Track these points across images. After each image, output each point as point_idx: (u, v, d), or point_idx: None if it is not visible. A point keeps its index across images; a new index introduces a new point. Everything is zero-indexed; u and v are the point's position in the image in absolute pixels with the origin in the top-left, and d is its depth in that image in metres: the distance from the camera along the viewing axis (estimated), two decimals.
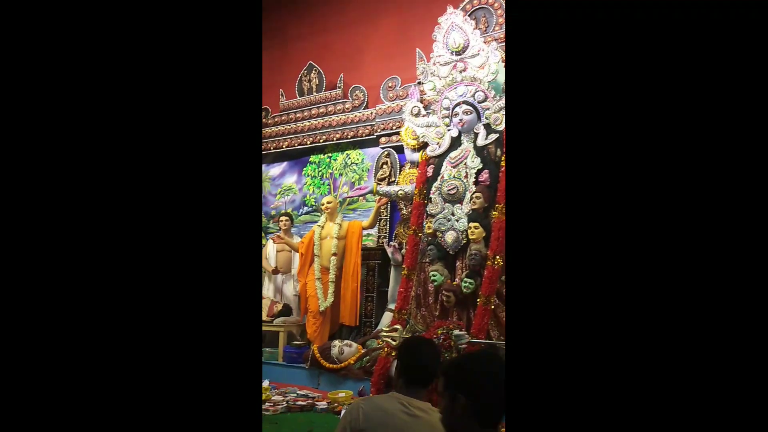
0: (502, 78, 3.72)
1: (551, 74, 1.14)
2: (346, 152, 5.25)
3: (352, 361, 3.63)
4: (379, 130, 4.81)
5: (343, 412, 1.78)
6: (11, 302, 1.10)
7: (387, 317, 4.02)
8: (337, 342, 3.90)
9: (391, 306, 4.03)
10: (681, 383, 1.02)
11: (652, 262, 1.05)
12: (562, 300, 1.09)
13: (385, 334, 3.60)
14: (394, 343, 3.55)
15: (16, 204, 1.12)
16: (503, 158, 3.61)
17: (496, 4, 4.21)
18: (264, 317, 4.52)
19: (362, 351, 3.71)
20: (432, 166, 3.96)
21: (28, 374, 1.10)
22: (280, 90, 5.74)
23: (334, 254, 4.34)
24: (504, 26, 4.14)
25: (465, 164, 3.78)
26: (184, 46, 1.23)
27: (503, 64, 3.81)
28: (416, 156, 4.17)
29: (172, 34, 1.23)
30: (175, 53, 1.23)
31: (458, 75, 3.87)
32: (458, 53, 3.87)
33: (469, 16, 4.13)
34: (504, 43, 4.02)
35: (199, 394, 1.17)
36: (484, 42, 3.84)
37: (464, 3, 4.31)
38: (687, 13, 1.08)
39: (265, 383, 3.66)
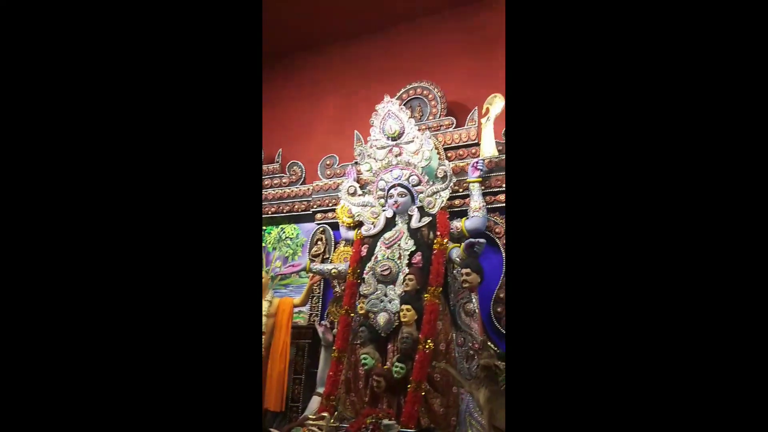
0: (435, 164, 3.90)
1: (550, 75, 1.16)
2: (281, 226, 5.19)
3: None
4: (315, 206, 4.82)
5: None
6: (14, 303, 1.11)
7: (315, 402, 3.83)
8: None
9: (320, 390, 3.86)
10: (678, 383, 1.02)
11: (650, 267, 1.06)
12: (560, 301, 1.10)
13: (311, 422, 3.42)
14: None
15: (20, 205, 1.13)
16: (435, 241, 3.69)
17: (430, 95, 4.47)
18: None
19: None
20: (366, 245, 3.98)
21: (52, 382, 1.12)
22: None
23: (263, 333, 4.15)
24: (437, 116, 4.39)
25: (399, 245, 3.83)
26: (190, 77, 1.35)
27: (436, 151, 4.01)
28: (351, 234, 4.19)
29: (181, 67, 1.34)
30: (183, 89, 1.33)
31: (394, 159, 4.01)
32: (394, 139, 4.03)
33: (404, 105, 4.35)
34: (437, 132, 4.26)
35: (199, 395, 1.19)
36: (419, 130, 4.03)
37: (400, 92, 4.55)
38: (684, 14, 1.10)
39: None
